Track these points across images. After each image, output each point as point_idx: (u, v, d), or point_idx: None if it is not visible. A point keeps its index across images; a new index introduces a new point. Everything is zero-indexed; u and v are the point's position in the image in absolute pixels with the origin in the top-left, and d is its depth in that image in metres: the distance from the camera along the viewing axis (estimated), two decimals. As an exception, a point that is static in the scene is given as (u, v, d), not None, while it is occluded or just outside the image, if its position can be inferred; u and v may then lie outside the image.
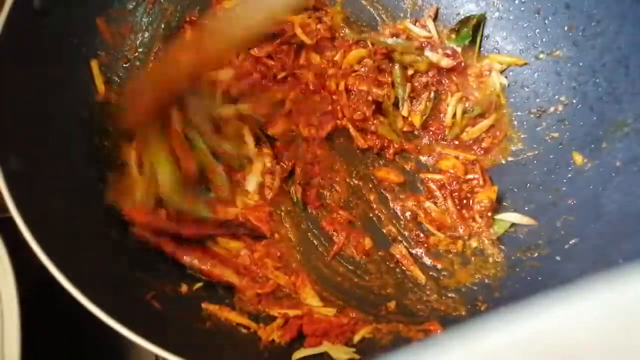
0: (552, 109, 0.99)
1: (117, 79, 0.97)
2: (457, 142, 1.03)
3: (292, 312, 0.84)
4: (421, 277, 0.92)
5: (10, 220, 0.69)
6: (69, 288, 0.66)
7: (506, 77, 1.04)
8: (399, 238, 0.96)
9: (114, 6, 0.97)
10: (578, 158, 0.93)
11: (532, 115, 1.01)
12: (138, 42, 1.01)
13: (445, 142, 1.04)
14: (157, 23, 1.03)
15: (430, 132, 1.04)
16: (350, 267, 0.93)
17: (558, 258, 0.87)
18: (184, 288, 0.84)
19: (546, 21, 1.00)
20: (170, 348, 0.65)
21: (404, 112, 1.04)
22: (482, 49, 1.07)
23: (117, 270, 0.79)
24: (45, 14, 0.84)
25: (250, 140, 0.97)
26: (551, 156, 0.96)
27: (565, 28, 0.98)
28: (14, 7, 0.77)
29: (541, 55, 1.01)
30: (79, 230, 0.79)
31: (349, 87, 1.03)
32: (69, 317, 0.70)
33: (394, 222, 0.97)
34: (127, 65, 0.99)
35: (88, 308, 0.65)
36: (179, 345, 0.66)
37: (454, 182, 0.98)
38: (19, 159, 0.74)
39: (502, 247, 0.93)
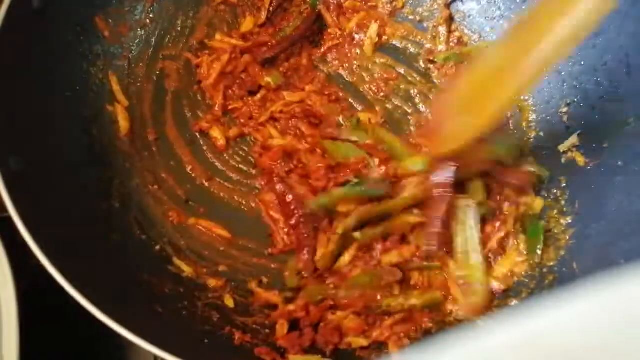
0: (553, 108, 0.98)
1: (116, 77, 0.97)
2: None
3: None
4: None
5: (9, 220, 0.68)
6: (68, 288, 0.65)
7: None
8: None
9: (113, 5, 0.97)
10: (579, 158, 0.92)
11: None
12: (137, 40, 1.01)
13: None
14: (156, 22, 1.03)
15: None
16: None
17: (560, 259, 0.87)
18: (183, 288, 0.84)
19: (547, 20, 1.00)
20: (169, 349, 0.65)
21: None
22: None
23: (116, 270, 0.79)
24: (44, 12, 0.83)
25: None
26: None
27: (566, 27, 0.97)
28: (12, 6, 0.77)
29: (542, 55, 1.01)
30: (78, 231, 0.79)
31: None
32: (68, 317, 0.70)
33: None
34: (126, 64, 0.99)
35: (87, 308, 0.65)
36: (177, 346, 0.66)
37: None
38: (18, 159, 0.74)
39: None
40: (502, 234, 0.90)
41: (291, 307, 0.84)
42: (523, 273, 0.88)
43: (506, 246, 0.90)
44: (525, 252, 0.89)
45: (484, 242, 0.89)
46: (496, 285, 0.87)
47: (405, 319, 0.84)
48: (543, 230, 0.89)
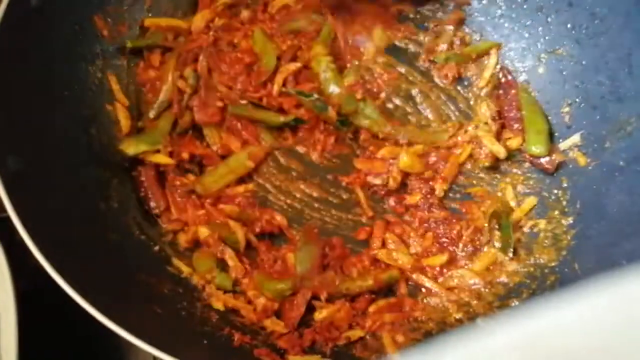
0: (555, 108, 0.98)
1: (115, 77, 0.97)
2: None
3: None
4: None
5: (8, 220, 0.68)
6: (66, 289, 0.65)
7: (510, 75, 1.03)
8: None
9: (111, 4, 0.96)
10: (581, 158, 0.92)
11: (534, 114, 1.00)
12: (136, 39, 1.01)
13: None
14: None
15: None
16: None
17: (561, 259, 0.87)
18: (182, 289, 0.84)
19: (549, 19, 0.99)
20: (168, 349, 0.65)
21: None
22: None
23: (114, 270, 0.79)
24: (43, 11, 0.83)
25: None
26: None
27: (568, 26, 0.97)
28: (11, 4, 0.77)
29: (544, 54, 1.00)
30: (77, 231, 0.78)
31: None
32: (66, 317, 0.70)
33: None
34: (125, 63, 0.99)
35: (85, 309, 0.65)
36: (176, 347, 0.65)
37: None
38: (18, 158, 0.73)
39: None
40: (470, 230, 0.91)
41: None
42: (510, 269, 0.88)
43: (478, 242, 0.91)
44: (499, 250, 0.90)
45: (455, 240, 0.92)
46: (476, 281, 0.88)
47: (390, 306, 0.86)
48: (511, 226, 0.91)
